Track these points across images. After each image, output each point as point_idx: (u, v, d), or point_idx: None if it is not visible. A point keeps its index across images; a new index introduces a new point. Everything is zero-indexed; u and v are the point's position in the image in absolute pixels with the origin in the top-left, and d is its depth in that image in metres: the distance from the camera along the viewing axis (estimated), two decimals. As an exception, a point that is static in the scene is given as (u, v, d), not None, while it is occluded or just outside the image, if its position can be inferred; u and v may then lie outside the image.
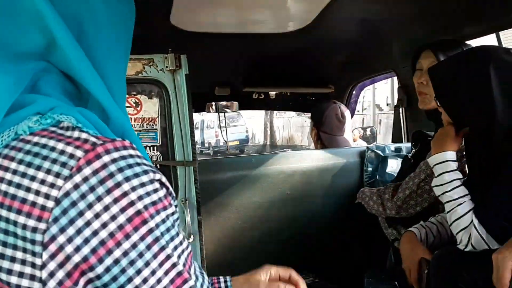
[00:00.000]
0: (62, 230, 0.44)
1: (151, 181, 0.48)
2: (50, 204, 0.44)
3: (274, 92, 3.01)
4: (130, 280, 0.45)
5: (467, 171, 1.35)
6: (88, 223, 0.44)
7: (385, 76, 2.76)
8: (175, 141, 1.57)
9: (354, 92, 2.92)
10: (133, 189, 0.46)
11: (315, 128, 2.44)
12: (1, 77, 0.49)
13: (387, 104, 15.51)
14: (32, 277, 0.45)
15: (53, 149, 0.46)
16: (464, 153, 1.36)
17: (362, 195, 1.79)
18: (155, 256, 0.47)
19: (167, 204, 0.50)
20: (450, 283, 1.17)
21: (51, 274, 0.44)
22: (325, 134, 2.40)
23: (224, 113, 2.78)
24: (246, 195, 2.01)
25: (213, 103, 2.65)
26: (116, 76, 0.58)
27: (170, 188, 0.53)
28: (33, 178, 0.45)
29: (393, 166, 2.10)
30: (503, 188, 1.13)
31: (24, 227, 0.44)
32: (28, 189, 0.45)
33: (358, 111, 13.41)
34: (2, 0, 0.51)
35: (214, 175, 1.97)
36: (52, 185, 0.44)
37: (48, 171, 0.45)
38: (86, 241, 0.44)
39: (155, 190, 0.48)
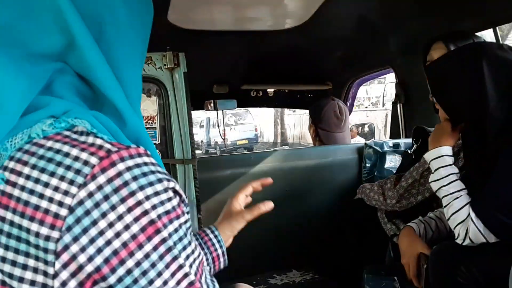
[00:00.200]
0: (75, 239, 0.43)
1: (165, 190, 0.48)
2: (63, 212, 0.43)
3: (272, 90, 3.01)
4: None
5: (464, 166, 1.36)
6: (101, 232, 0.44)
7: (383, 73, 2.76)
8: (174, 139, 1.58)
9: (352, 88, 2.93)
10: (147, 198, 0.46)
11: (314, 125, 2.44)
12: (19, 77, 0.48)
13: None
14: (44, 286, 0.44)
15: (67, 154, 0.45)
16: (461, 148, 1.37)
17: (363, 189, 1.80)
18: (167, 266, 0.46)
19: (180, 213, 0.49)
20: (449, 278, 1.18)
21: (63, 284, 0.44)
22: (324, 131, 2.40)
23: (223, 111, 2.78)
24: None
25: (211, 101, 2.65)
26: (133, 80, 0.57)
27: (183, 196, 0.52)
28: (46, 185, 0.44)
29: (392, 162, 2.11)
30: (500, 182, 1.13)
31: (37, 235, 0.43)
32: (41, 196, 0.44)
33: (384, 106, 13.28)
34: None
35: (213, 173, 1.98)
36: (66, 193, 0.44)
37: (62, 178, 0.44)
38: (99, 250, 0.44)
39: (169, 199, 0.48)
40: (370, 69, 2.68)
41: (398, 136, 2.37)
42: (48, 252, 0.43)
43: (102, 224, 0.44)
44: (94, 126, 0.50)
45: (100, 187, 0.44)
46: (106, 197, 0.44)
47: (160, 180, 0.48)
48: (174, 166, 1.58)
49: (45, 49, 0.51)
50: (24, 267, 0.44)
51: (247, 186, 1.05)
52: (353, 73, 2.83)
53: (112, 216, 0.44)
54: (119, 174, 0.45)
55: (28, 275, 0.44)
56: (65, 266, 0.44)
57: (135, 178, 0.46)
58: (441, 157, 1.28)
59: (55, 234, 0.43)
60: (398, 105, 2.34)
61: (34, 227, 0.43)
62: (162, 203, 0.47)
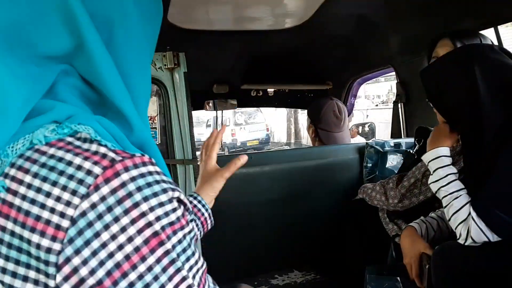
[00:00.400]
0: (77, 251, 0.42)
1: (170, 200, 0.47)
2: (65, 223, 0.42)
3: (272, 89, 3.00)
4: None
5: (464, 166, 1.36)
6: (104, 245, 0.43)
7: (383, 72, 2.75)
8: (174, 140, 1.57)
9: (352, 88, 2.92)
10: (151, 209, 0.45)
11: (313, 125, 2.44)
12: (24, 80, 0.47)
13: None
14: None
15: (70, 163, 0.44)
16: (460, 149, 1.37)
17: (364, 189, 1.79)
18: (170, 278, 0.45)
19: (184, 223, 0.48)
20: (451, 278, 1.17)
21: None
22: (323, 131, 2.40)
23: (222, 110, 2.78)
24: (245, 193, 2.01)
25: (211, 101, 2.65)
26: (141, 85, 0.56)
27: (188, 204, 0.52)
28: (48, 194, 0.43)
29: (393, 161, 2.11)
30: (500, 180, 1.13)
31: (38, 246, 0.42)
32: (43, 206, 0.43)
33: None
34: None
35: None
36: (68, 203, 0.42)
37: (64, 188, 0.43)
38: (102, 263, 0.42)
39: (174, 210, 0.47)
40: (371, 69, 2.67)
41: (399, 135, 2.37)
42: (49, 265, 0.42)
43: (105, 236, 0.43)
44: (98, 133, 0.48)
45: (103, 198, 0.43)
46: (110, 209, 0.43)
47: (165, 190, 0.47)
48: (174, 166, 1.58)
49: (52, 51, 0.50)
50: (25, 278, 0.44)
51: (214, 145, 1.07)
52: (353, 73, 2.83)
53: (115, 228, 0.43)
54: (123, 184, 0.44)
55: (29, 287, 0.43)
56: (66, 279, 0.42)
57: (139, 189, 0.45)
58: (439, 158, 1.29)
59: (56, 246, 0.42)
60: (399, 105, 2.34)
61: (35, 238, 0.42)
62: (166, 214, 0.46)
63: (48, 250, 0.42)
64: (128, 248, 0.43)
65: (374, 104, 15.70)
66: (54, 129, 0.47)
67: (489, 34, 1.67)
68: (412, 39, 2.09)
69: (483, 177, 1.16)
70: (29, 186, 0.44)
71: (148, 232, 0.44)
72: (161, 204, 0.46)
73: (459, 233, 1.17)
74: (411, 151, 1.83)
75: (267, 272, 2.10)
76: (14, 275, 0.44)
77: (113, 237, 0.43)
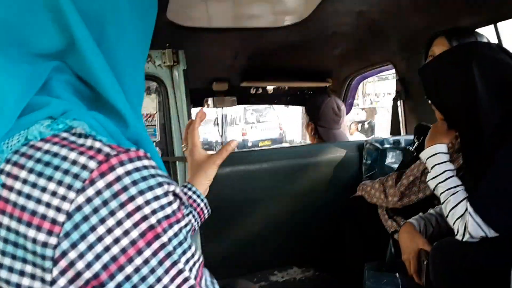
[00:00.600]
0: (74, 245, 0.42)
1: (165, 194, 0.47)
2: (61, 218, 0.42)
3: (272, 87, 3.00)
4: None
5: (463, 164, 1.36)
6: (100, 239, 0.43)
7: (383, 69, 2.75)
8: (173, 137, 1.58)
9: (352, 85, 2.92)
10: (147, 202, 0.45)
11: (312, 123, 2.44)
12: (16, 77, 0.47)
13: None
14: None
15: (65, 158, 0.44)
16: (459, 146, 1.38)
17: (363, 186, 1.80)
18: (166, 271, 0.46)
19: (181, 217, 0.49)
20: (450, 274, 1.18)
21: None
22: (323, 128, 2.40)
23: (222, 108, 2.78)
24: (245, 190, 2.01)
25: (211, 98, 2.64)
26: (134, 81, 0.56)
27: (184, 199, 0.52)
28: (44, 189, 0.43)
29: (392, 158, 2.11)
30: (497, 177, 1.14)
31: (34, 241, 0.42)
32: (38, 201, 0.43)
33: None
34: None
35: None
36: (64, 198, 0.43)
37: (60, 183, 0.43)
38: (98, 257, 0.43)
39: (169, 203, 0.47)
40: (370, 66, 2.67)
41: (399, 132, 2.37)
42: (46, 259, 0.42)
43: (101, 230, 0.43)
44: (93, 128, 0.48)
45: (99, 192, 0.43)
46: (105, 203, 0.43)
47: (160, 184, 0.47)
48: (174, 163, 1.58)
49: (44, 48, 0.50)
50: (21, 273, 0.44)
51: (194, 131, 1.04)
52: (353, 70, 2.83)
53: (111, 222, 0.43)
54: (118, 178, 0.44)
55: (26, 281, 0.44)
56: (62, 272, 0.43)
57: (134, 183, 0.45)
58: (436, 155, 1.29)
59: (52, 240, 0.42)
60: (399, 102, 2.34)
61: (31, 233, 0.42)
62: (162, 207, 0.46)
63: (44, 244, 0.42)
64: (124, 242, 0.43)
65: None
66: (49, 124, 0.47)
67: (489, 31, 1.67)
68: (411, 36, 2.09)
69: (481, 174, 1.17)
70: (25, 181, 0.44)
71: (144, 226, 0.45)
72: (157, 198, 0.46)
73: (456, 229, 1.18)
74: (410, 148, 1.83)
75: (266, 268, 2.10)
76: (10, 270, 0.44)
77: (109, 230, 0.43)
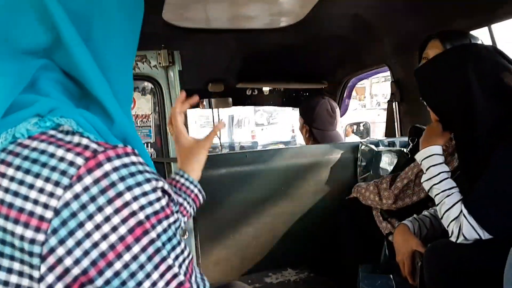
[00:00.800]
0: (61, 242, 0.42)
1: (154, 190, 0.47)
2: (49, 214, 0.42)
3: (268, 88, 3.00)
4: None
5: (458, 166, 1.37)
6: (88, 235, 0.43)
7: (378, 71, 2.76)
8: (169, 138, 1.57)
9: (347, 87, 2.93)
10: (135, 198, 0.45)
11: (307, 125, 2.44)
12: (2, 75, 0.47)
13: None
14: None
15: (52, 155, 0.44)
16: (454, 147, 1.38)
17: (358, 188, 1.80)
18: (156, 267, 0.46)
19: (169, 213, 0.49)
20: (444, 275, 1.18)
21: (50, 287, 0.43)
22: (318, 130, 2.40)
23: (218, 109, 2.77)
24: (240, 191, 2.01)
25: (206, 99, 2.64)
26: (122, 78, 0.56)
27: (173, 195, 0.52)
28: (31, 186, 0.43)
29: (387, 160, 2.11)
30: (491, 179, 1.14)
31: (22, 238, 0.42)
32: (26, 198, 0.43)
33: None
34: None
35: (208, 172, 1.97)
36: (51, 195, 0.42)
37: (47, 179, 0.43)
38: (86, 253, 0.43)
39: (158, 199, 0.47)
40: (366, 68, 2.68)
41: (394, 134, 2.38)
42: (33, 256, 0.42)
43: (89, 226, 0.43)
44: (80, 125, 0.48)
45: (86, 189, 0.43)
46: (93, 199, 0.43)
47: (148, 180, 0.47)
48: (169, 164, 1.58)
49: (30, 45, 0.50)
50: (9, 270, 0.44)
51: (176, 117, 1.03)
52: (348, 72, 2.84)
53: (99, 218, 0.43)
54: (106, 174, 0.44)
55: (13, 278, 0.44)
56: (51, 269, 0.43)
57: (122, 179, 0.45)
58: (431, 156, 1.30)
59: (40, 237, 0.42)
60: (394, 104, 2.34)
61: (19, 230, 0.42)
62: (150, 203, 0.46)
63: (32, 241, 0.42)
64: (113, 238, 0.43)
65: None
66: (37, 122, 0.47)
67: (483, 33, 1.68)
68: (406, 38, 2.10)
69: (477, 175, 1.17)
70: (12, 178, 0.44)
71: (132, 221, 0.44)
72: (145, 194, 0.46)
73: (451, 231, 1.19)
74: (405, 150, 1.84)
75: (261, 270, 2.10)
76: None
77: (97, 226, 0.43)
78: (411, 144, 1.79)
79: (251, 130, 12.56)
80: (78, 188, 0.43)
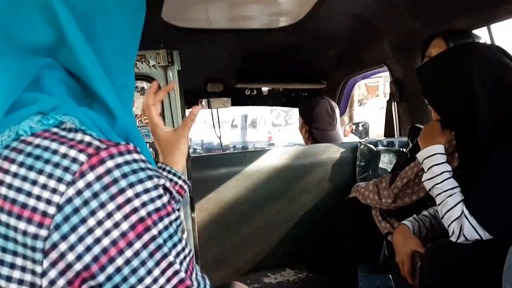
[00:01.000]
0: (64, 237, 0.43)
1: (155, 187, 0.48)
2: (51, 210, 0.43)
3: (267, 88, 3.00)
4: None
5: (459, 165, 1.37)
6: (90, 230, 0.43)
7: (377, 71, 2.76)
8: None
9: (346, 87, 2.93)
10: (137, 195, 0.45)
11: (306, 126, 2.44)
12: (4, 73, 0.47)
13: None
14: (32, 285, 0.44)
15: (55, 152, 0.45)
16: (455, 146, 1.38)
17: (357, 188, 1.80)
18: (157, 263, 0.46)
19: (171, 210, 0.49)
20: (443, 275, 1.18)
21: (52, 282, 0.43)
22: (317, 130, 2.40)
23: (217, 109, 2.77)
24: (239, 191, 2.01)
25: (205, 99, 2.64)
26: (123, 77, 0.57)
27: (174, 193, 0.52)
28: (34, 182, 0.43)
29: (386, 160, 2.11)
30: (492, 179, 1.14)
31: (25, 233, 0.43)
32: (29, 194, 0.43)
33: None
34: None
35: (208, 172, 1.97)
36: (54, 191, 0.43)
37: (50, 176, 0.43)
38: (88, 249, 0.43)
39: (159, 196, 0.48)
40: (365, 68, 2.68)
41: (393, 134, 2.38)
42: (36, 251, 0.43)
43: (91, 222, 0.43)
44: (83, 123, 0.49)
45: (89, 185, 0.43)
46: (95, 195, 0.43)
47: (150, 177, 0.47)
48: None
49: (34, 44, 0.50)
50: (12, 266, 0.44)
51: (149, 108, 1.00)
52: (347, 72, 2.84)
53: (101, 214, 0.43)
54: (108, 171, 0.44)
55: (16, 274, 0.44)
56: (53, 264, 0.43)
57: (124, 176, 0.45)
58: (434, 155, 1.29)
59: (43, 232, 0.42)
60: (393, 103, 2.34)
61: (22, 225, 0.43)
62: (152, 200, 0.47)
63: (35, 237, 0.42)
64: (115, 234, 0.44)
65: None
66: (40, 120, 0.47)
67: (482, 33, 1.68)
68: (405, 38, 2.10)
69: (477, 175, 1.17)
70: (15, 175, 0.44)
71: (134, 218, 0.45)
72: (147, 191, 0.46)
73: (451, 230, 1.18)
74: (404, 150, 1.84)
75: (260, 270, 2.10)
76: (1, 263, 0.44)
77: (100, 222, 0.43)
78: (410, 144, 1.79)
79: (267, 131, 11.99)
80: (80, 184, 0.43)
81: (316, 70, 2.86)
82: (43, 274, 0.43)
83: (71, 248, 0.43)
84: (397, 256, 1.40)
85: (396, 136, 2.34)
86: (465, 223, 1.14)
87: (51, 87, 0.51)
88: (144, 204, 0.46)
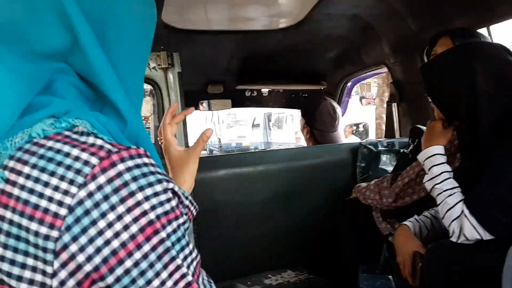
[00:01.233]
0: (75, 238, 0.43)
1: (165, 191, 0.48)
2: (63, 211, 0.43)
3: (267, 90, 3.01)
4: None
5: (460, 165, 1.37)
6: (100, 232, 0.44)
7: (377, 72, 2.77)
8: (168, 139, 1.56)
9: (346, 88, 2.93)
10: (147, 198, 0.46)
11: (308, 126, 2.45)
12: (19, 76, 0.48)
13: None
14: (43, 285, 0.44)
15: (67, 154, 0.45)
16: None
17: (358, 188, 1.80)
18: (165, 266, 0.47)
19: (179, 214, 0.50)
20: (444, 276, 1.18)
21: (62, 283, 0.44)
22: (319, 131, 2.41)
23: (218, 110, 2.77)
24: (240, 193, 2.01)
25: (205, 101, 2.64)
26: (134, 82, 0.58)
27: (182, 197, 0.53)
28: (46, 184, 0.44)
29: (386, 161, 2.12)
30: (493, 179, 1.14)
31: (36, 234, 0.43)
32: (41, 195, 0.44)
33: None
34: None
35: (209, 173, 1.97)
36: (66, 192, 0.44)
37: (62, 178, 0.44)
38: (98, 250, 0.44)
39: (168, 200, 0.48)
40: (365, 69, 2.68)
41: (393, 135, 2.38)
42: (47, 251, 0.43)
43: (102, 224, 0.44)
44: (95, 127, 0.50)
45: (100, 187, 0.44)
46: (106, 197, 0.44)
47: (159, 181, 0.48)
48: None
49: (48, 48, 0.51)
50: (23, 266, 0.45)
51: (165, 127, 1.00)
52: (347, 73, 2.84)
53: (111, 216, 0.44)
54: (119, 174, 0.45)
55: (27, 274, 0.44)
56: (64, 265, 0.44)
57: (135, 179, 0.46)
58: (433, 156, 1.30)
59: (54, 233, 0.43)
60: (393, 104, 2.35)
61: (33, 226, 0.43)
62: (161, 203, 0.47)
63: (46, 237, 0.43)
64: (124, 236, 0.45)
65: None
66: (52, 123, 0.48)
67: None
68: (405, 39, 2.10)
69: (477, 175, 1.17)
70: (28, 176, 0.45)
71: (143, 221, 0.46)
72: (156, 194, 0.47)
73: (452, 230, 1.18)
74: (405, 151, 1.84)
75: (260, 271, 2.10)
76: (12, 262, 0.45)
77: (110, 224, 0.44)
78: (411, 145, 1.79)
79: (295, 131, 10.50)
80: (92, 186, 0.44)
81: (316, 71, 2.87)
82: (54, 274, 0.44)
83: (82, 249, 0.44)
84: (397, 257, 1.39)
85: (396, 137, 2.34)
86: (465, 223, 1.14)
87: (63, 91, 0.52)
88: (153, 207, 0.46)
